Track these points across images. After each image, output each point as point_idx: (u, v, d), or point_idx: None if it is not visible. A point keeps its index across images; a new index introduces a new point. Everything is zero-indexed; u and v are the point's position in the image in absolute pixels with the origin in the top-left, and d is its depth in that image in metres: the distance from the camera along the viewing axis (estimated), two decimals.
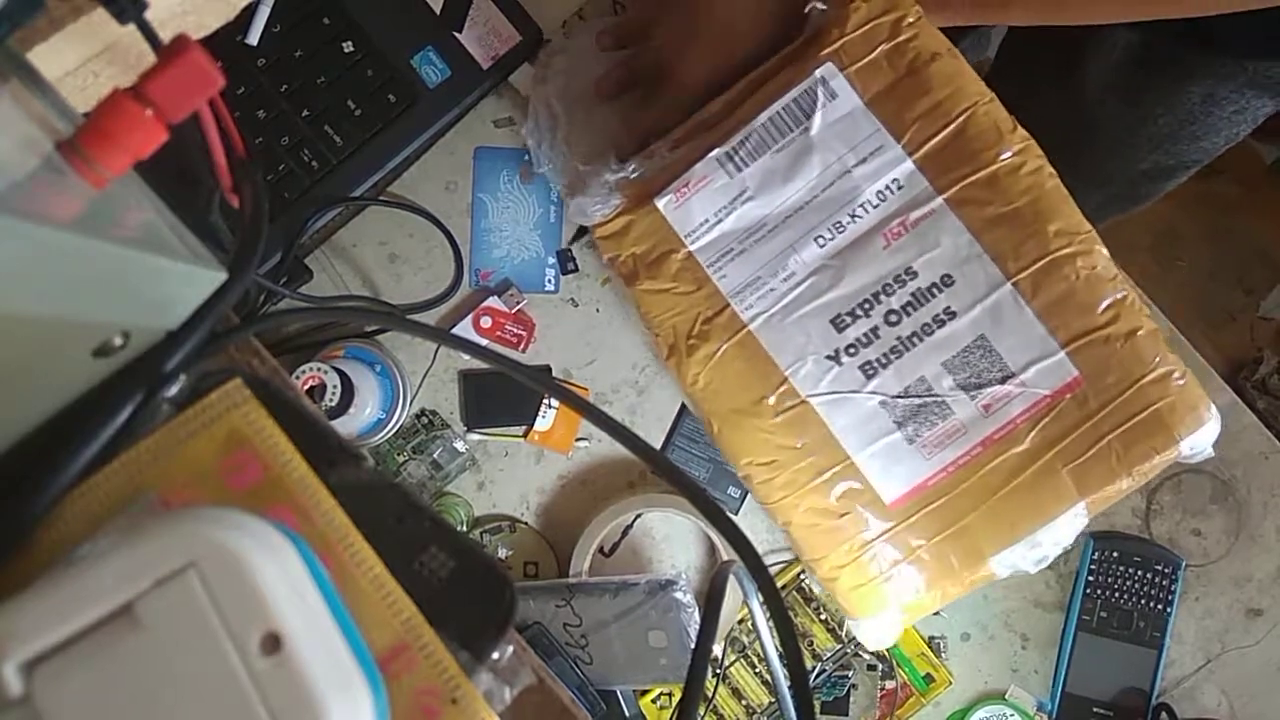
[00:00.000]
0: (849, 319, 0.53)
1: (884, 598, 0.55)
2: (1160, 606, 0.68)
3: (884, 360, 0.53)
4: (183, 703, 0.24)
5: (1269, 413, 0.75)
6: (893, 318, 0.52)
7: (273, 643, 0.24)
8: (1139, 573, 0.69)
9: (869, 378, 0.53)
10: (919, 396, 0.52)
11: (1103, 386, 0.51)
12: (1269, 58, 0.64)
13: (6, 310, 0.23)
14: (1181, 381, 0.52)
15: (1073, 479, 0.52)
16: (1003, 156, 0.51)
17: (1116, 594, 0.69)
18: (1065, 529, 0.53)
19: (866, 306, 0.53)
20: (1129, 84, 0.74)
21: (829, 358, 0.53)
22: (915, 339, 0.52)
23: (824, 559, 0.55)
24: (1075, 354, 0.51)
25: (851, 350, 0.53)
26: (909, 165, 0.52)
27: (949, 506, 0.53)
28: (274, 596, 0.25)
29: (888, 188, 0.52)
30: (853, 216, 0.53)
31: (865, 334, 0.53)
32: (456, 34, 0.66)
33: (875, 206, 0.53)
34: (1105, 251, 0.52)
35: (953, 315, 0.52)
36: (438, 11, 0.66)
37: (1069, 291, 0.51)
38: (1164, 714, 0.69)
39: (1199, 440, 0.52)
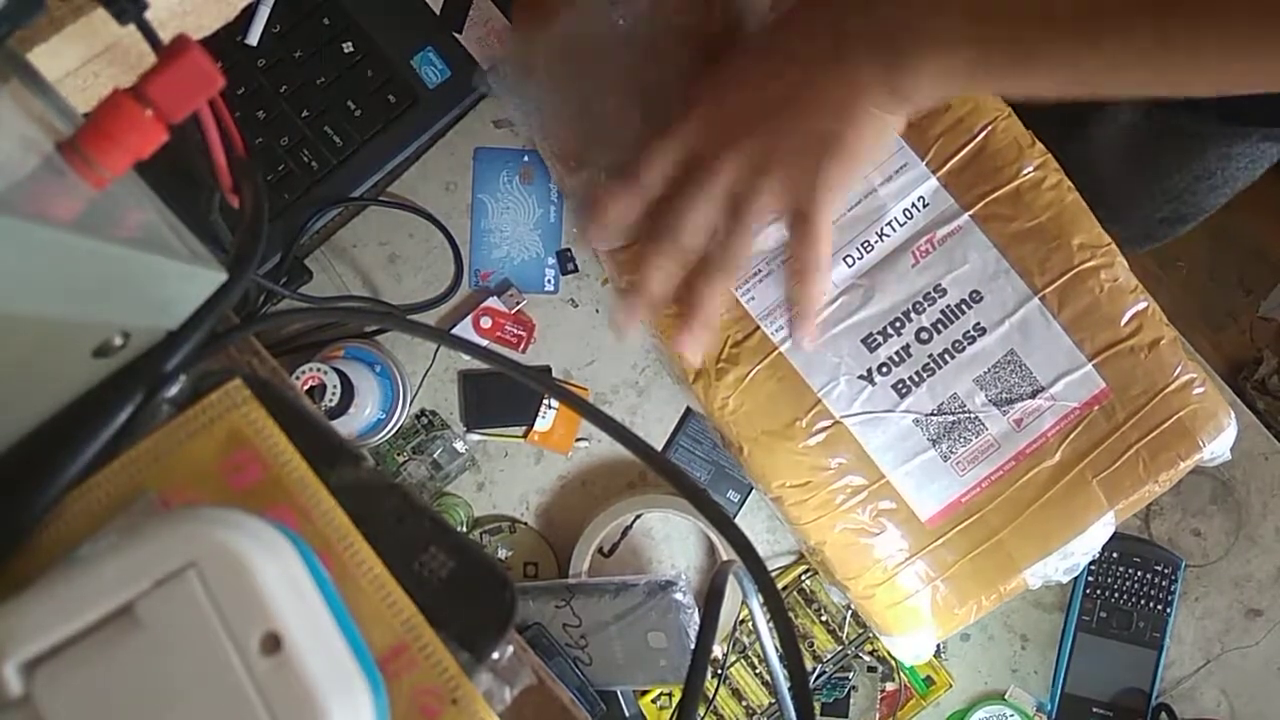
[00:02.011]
0: (880, 338, 0.53)
1: (920, 615, 0.55)
2: (1160, 607, 0.68)
3: (916, 378, 0.53)
4: (183, 703, 0.24)
5: (1269, 413, 0.75)
6: (924, 335, 0.53)
7: (273, 643, 0.24)
8: (1139, 573, 0.69)
9: (902, 396, 0.53)
10: (952, 414, 0.52)
11: (1129, 397, 0.52)
12: None
13: (6, 310, 0.23)
14: (1202, 389, 0.53)
15: (1102, 489, 0.53)
16: (1024, 171, 0.52)
17: (1116, 594, 0.69)
18: (1095, 537, 0.54)
19: (897, 325, 0.53)
20: (1139, 151, 0.73)
21: (861, 377, 0.53)
22: (947, 356, 0.53)
23: (858, 578, 0.55)
24: (1102, 366, 0.52)
25: (884, 369, 0.53)
26: (934, 182, 0.52)
27: (983, 521, 0.53)
28: (274, 596, 0.25)
29: (914, 206, 0.52)
30: (880, 235, 0.53)
31: (897, 353, 0.53)
32: (456, 34, 0.66)
33: (902, 225, 0.53)
34: (1125, 263, 0.53)
35: (982, 331, 0.52)
36: (438, 12, 0.66)
37: (1093, 304, 0.52)
38: (1164, 714, 0.69)
39: (1219, 445, 0.53)
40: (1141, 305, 0.52)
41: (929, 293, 0.53)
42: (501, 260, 0.70)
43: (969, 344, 0.52)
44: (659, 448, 0.70)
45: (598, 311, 0.70)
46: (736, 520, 0.70)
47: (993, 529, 0.53)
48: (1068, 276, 0.52)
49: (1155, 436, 0.53)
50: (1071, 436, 0.53)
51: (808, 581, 0.70)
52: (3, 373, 0.26)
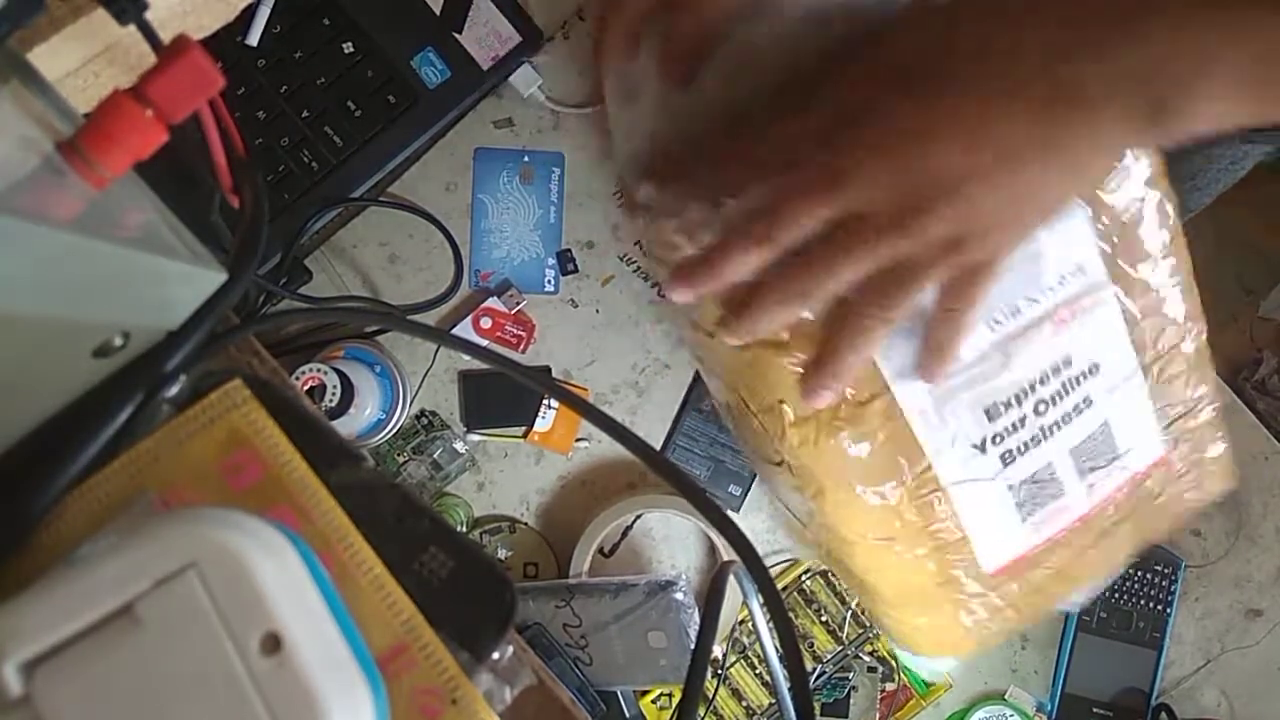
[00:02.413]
0: (1003, 408, 0.48)
1: (958, 645, 0.55)
2: (1160, 607, 0.68)
3: (1023, 448, 0.50)
4: (183, 703, 0.24)
5: (1269, 413, 0.75)
6: (1041, 407, 0.49)
7: (273, 643, 0.24)
8: (1139, 573, 0.69)
9: (1005, 465, 0.49)
10: (1042, 481, 0.51)
11: (1182, 457, 0.53)
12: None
13: (6, 310, 0.23)
14: (1227, 450, 0.54)
15: (1139, 536, 0.54)
16: (1167, 241, 0.48)
17: (1116, 594, 0.69)
18: (1117, 573, 0.56)
19: (1021, 396, 0.48)
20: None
21: (975, 446, 0.49)
22: (1055, 428, 0.49)
23: (906, 611, 0.54)
24: (1168, 434, 0.52)
25: (998, 439, 0.49)
26: (1096, 246, 0.47)
27: (1038, 570, 0.53)
28: (274, 596, 0.25)
29: (1071, 270, 0.47)
30: (1031, 300, 0.47)
31: (1014, 423, 0.49)
32: (456, 34, 0.66)
33: (1053, 291, 0.47)
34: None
35: (1090, 404, 0.50)
36: (438, 12, 0.66)
37: (1178, 379, 0.51)
38: (1164, 714, 0.69)
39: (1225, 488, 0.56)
40: (1210, 377, 0.52)
41: (1057, 364, 0.48)
42: (501, 260, 0.70)
43: (1076, 416, 0.49)
44: (659, 447, 0.70)
45: (598, 311, 0.70)
46: (737, 517, 0.70)
47: (1044, 577, 0.53)
48: (1170, 352, 0.50)
49: (1191, 491, 0.54)
50: (1130, 496, 0.53)
51: (808, 581, 0.70)
52: (3, 373, 0.26)
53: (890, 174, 0.38)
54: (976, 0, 0.39)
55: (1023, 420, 0.49)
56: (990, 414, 0.49)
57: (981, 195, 0.38)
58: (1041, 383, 0.49)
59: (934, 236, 0.39)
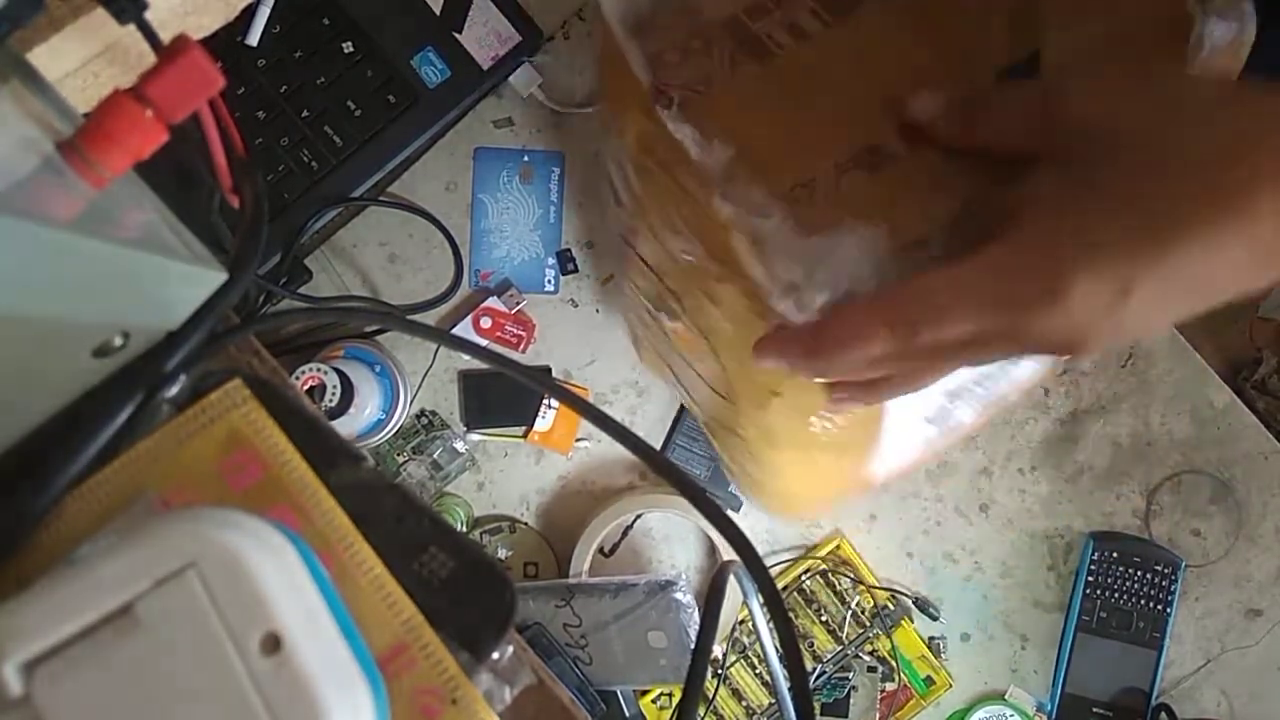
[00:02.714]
0: (965, 392, 0.48)
1: (817, 513, 0.60)
2: (1160, 607, 0.68)
3: (957, 408, 0.50)
4: (183, 703, 0.24)
5: (1269, 413, 0.75)
6: (986, 380, 0.48)
7: (273, 643, 0.24)
8: (1139, 573, 0.69)
9: (940, 427, 0.51)
10: (953, 425, 0.51)
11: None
12: None
13: (6, 310, 0.23)
14: None
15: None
16: None
17: (1116, 594, 0.69)
18: None
19: (981, 377, 0.48)
20: None
21: (928, 420, 0.50)
22: (986, 390, 0.49)
23: (798, 503, 0.58)
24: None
25: (945, 409, 0.50)
26: None
27: (910, 468, 0.55)
28: (274, 596, 0.25)
29: None
30: None
31: (965, 396, 0.49)
32: (456, 34, 0.66)
33: None
34: None
35: (1016, 364, 0.49)
36: (438, 12, 0.66)
37: None
38: (1163, 714, 0.69)
39: None
40: None
41: None
42: (501, 260, 0.70)
43: (1003, 377, 0.50)
44: (659, 447, 0.70)
45: (598, 311, 0.70)
46: (736, 517, 0.70)
47: (907, 469, 0.55)
48: None
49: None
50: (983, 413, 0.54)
51: (808, 581, 0.70)
52: (3, 373, 0.26)
53: (1079, 314, 0.32)
54: (1234, 129, 0.31)
55: (970, 393, 0.50)
56: (951, 396, 0.49)
57: (1149, 331, 0.34)
58: (1000, 367, 0.48)
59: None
